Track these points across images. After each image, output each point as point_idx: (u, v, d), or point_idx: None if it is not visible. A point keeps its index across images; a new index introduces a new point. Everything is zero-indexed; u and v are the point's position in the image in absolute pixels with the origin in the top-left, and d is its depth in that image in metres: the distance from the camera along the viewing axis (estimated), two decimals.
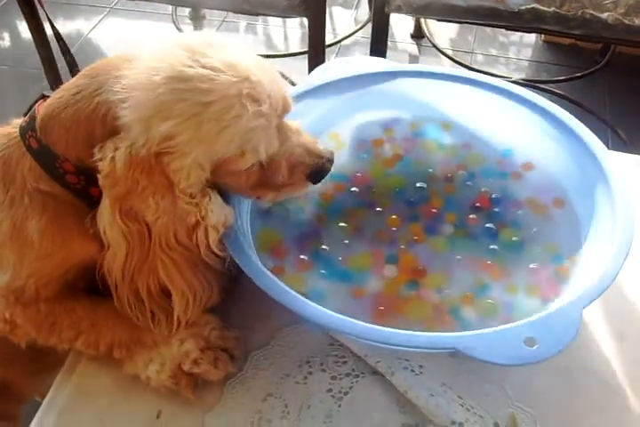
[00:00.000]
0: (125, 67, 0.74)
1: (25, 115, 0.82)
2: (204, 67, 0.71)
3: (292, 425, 0.81)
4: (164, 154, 0.72)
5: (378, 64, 1.08)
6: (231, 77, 0.71)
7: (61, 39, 1.97)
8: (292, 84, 2.41)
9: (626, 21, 1.58)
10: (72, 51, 2.55)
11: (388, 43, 2.56)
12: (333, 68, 1.07)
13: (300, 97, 1.01)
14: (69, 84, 0.78)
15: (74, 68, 2.07)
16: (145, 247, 0.76)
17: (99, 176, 0.73)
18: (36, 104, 0.80)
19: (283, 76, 2.44)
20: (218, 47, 0.73)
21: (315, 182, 0.87)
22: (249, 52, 0.76)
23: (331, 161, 0.86)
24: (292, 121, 0.84)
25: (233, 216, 0.81)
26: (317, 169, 0.85)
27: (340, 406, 0.83)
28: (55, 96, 0.77)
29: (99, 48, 2.76)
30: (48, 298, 0.83)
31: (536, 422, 0.81)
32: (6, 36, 2.88)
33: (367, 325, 0.76)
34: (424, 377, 0.84)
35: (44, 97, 0.80)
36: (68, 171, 0.77)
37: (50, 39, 2.06)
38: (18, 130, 0.80)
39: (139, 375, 0.83)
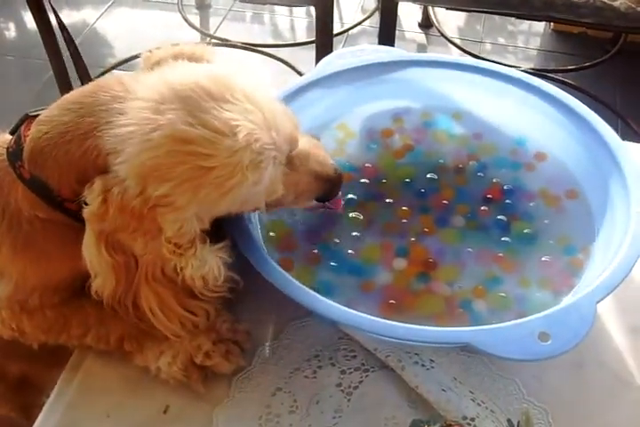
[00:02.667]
0: (116, 108, 0.71)
1: (11, 133, 0.80)
2: (204, 126, 0.67)
3: (301, 420, 0.80)
4: (159, 206, 0.69)
5: (387, 53, 1.06)
6: (233, 143, 0.67)
7: (65, 29, 1.96)
8: (300, 74, 2.40)
9: (639, 9, 1.56)
10: (77, 41, 2.56)
11: (396, 32, 2.54)
12: (342, 57, 1.05)
13: (309, 87, 0.99)
14: (53, 118, 0.74)
15: (78, 60, 2.06)
16: (131, 277, 0.75)
17: (84, 210, 0.71)
18: (22, 126, 0.77)
19: (290, 66, 2.44)
20: (219, 96, 0.69)
21: (322, 202, 0.87)
22: (254, 87, 0.72)
23: (339, 183, 0.85)
24: (302, 141, 0.80)
25: (221, 268, 0.77)
26: (325, 194, 0.84)
27: (349, 400, 0.81)
28: (41, 129, 0.74)
29: (104, 38, 2.74)
30: (53, 304, 0.82)
31: (548, 416, 0.80)
32: (12, 26, 2.87)
33: (378, 319, 0.75)
34: (435, 372, 0.82)
35: (28, 117, 0.78)
36: (66, 199, 0.75)
37: (55, 29, 2.04)
38: (5, 154, 0.78)
39: (149, 367, 0.83)
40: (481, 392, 0.82)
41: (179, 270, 0.74)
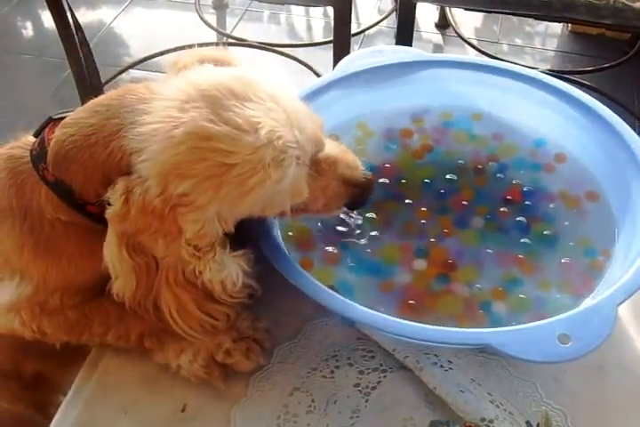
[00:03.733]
0: (141, 109, 0.71)
1: (35, 135, 0.80)
2: (226, 123, 0.67)
3: (318, 420, 0.80)
4: (180, 206, 0.69)
5: (407, 53, 1.06)
6: (255, 140, 0.67)
7: (80, 30, 1.96)
8: (316, 74, 2.39)
9: None
10: (94, 40, 2.57)
11: (413, 32, 2.54)
12: (362, 57, 1.05)
13: (329, 87, 1.00)
14: (79, 120, 0.75)
15: (89, 62, 2.07)
16: (152, 279, 0.74)
17: (107, 211, 0.71)
18: (46, 130, 0.78)
19: (307, 66, 2.44)
20: (242, 95, 0.69)
21: (352, 209, 0.86)
22: (278, 88, 0.72)
23: (370, 189, 0.84)
24: (329, 145, 0.80)
25: (239, 274, 0.77)
26: (355, 200, 0.83)
27: (367, 401, 0.81)
28: (66, 131, 0.75)
29: (121, 37, 2.75)
30: (74, 305, 0.82)
31: (567, 419, 0.80)
32: (29, 25, 2.87)
33: (398, 319, 0.74)
34: (453, 373, 0.82)
35: (52, 120, 0.78)
36: (88, 202, 0.75)
37: (73, 28, 2.05)
38: (29, 155, 0.78)
39: (168, 365, 0.83)
40: (499, 394, 0.82)
41: (197, 274, 0.74)
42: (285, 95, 0.72)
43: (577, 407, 0.81)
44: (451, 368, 0.82)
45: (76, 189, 0.74)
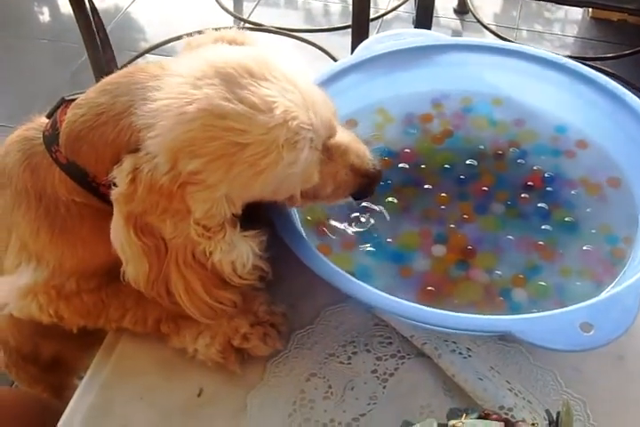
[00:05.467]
0: (151, 86, 0.70)
1: (48, 116, 0.80)
2: (241, 102, 0.66)
3: (335, 406, 0.79)
4: (189, 184, 0.68)
5: (427, 37, 1.05)
6: (269, 120, 0.66)
7: (97, 14, 1.96)
8: (333, 59, 2.38)
9: None
10: (110, 26, 2.56)
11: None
12: (381, 41, 1.03)
13: (348, 71, 0.98)
14: (91, 100, 0.74)
15: (106, 46, 2.07)
16: (162, 261, 0.73)
17: (112, 191, 0.70)
18: (58, 111, 0.77)
19: (324, 52, 2.43)
20: (258, 74, 0.68)
21: (357, 200, 0.85)
22: (294, 70, 0.71)
23: (377, 180, 0.82)
24: (341, 133, 0.78)
25: (250, 255, 0.75)
26: (362, 190, 0.82)
27: (384, 387, 0.81)
28: (77, 112, 0.74)
29: (137, 22, 2.74)
30: (91, 289, 0.82)
31: (586, 408, 0.79)
32: (46, 10, 2.88)
33: (417, 305, 0.74)
34: (472, 360, 0.81)
35: (64, 102, 0.78)
36: (101, 184, 0.74)
37: (90, 13, 2.04)
38: (42, 138, 0.77)
39: (184, 349, 0.83)
40: (518, 382, 0.81)
41: (207, 255, 0.72)
42: (301, 78, 0.71)
43: (596, 397, 0.80)
44: (470, 355, 0.82)
45: (89, 171, 0.74)
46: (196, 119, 0.66)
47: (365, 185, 0.81)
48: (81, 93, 0.77)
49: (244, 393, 0.81)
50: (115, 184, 0.69)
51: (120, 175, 0.69)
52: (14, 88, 2.43)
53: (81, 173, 0.74)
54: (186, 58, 0.73)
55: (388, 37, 1.05)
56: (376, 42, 1.03)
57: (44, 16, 2.86)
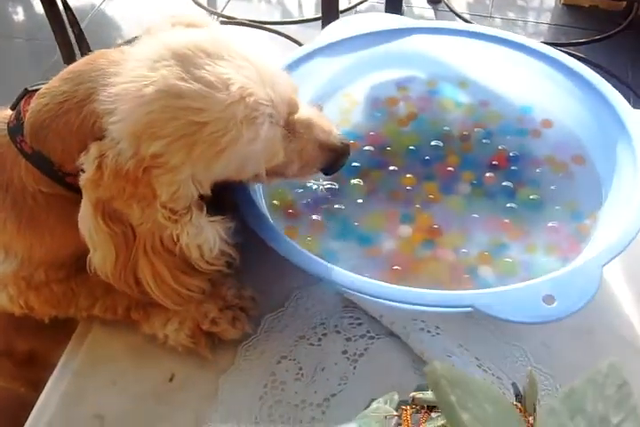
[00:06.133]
0: (112, 71, 0.70)
1: (11, 108, 0.79)
2: (197, 81, 0.66)
3: (306, 387, 0.80)
4: (153, 167, 0.68)
5: (392, 21, 1.05)
6: (226, 97, 0.66)
7: (70, 10, 1.95)
8: None
9: None
10: (84, 22, 2.55)
11: (404, 7, 2.53)
12: (348, 24, 1.04)
13: (313, 55, 0.99)
14: (54, 89, 0.74)
15: (81, 41, 2.06)
16: (130, 249, 0.73)
17: (80, 177, 0.70)
18: (22, 101, 0.76)
19: (298, 43, 2.42)
20: (214, 53, 0.68)
21: (327, 175, 0.85)
22: (251, 49, 0.71)
23: (346, 154, 0.82)
24: (305, 110, 0.79)
25: (217, 240, 0.75)
26: (330, 164, 0.82)
27: (354, 367, 0.81)
28: (41, 102, 0.73)
29: (112, 19, 2.73)
30: (60, 279, 0.82)
31: (556, 383, 0.79)
32: (20, 10, 2.87)
33: (381, 283, 0.74)
34: (440, 338, 0.82)
35: (28, 92, 0.77)
36: (68, 173, 0.74)
37: (62, 12, 2.04)
38: (6, 129, 0.77)
39: (155, 335, 0.83)
40: (487, 359, 0.81)
41: (175, 239, 0.72)
42: (258, 55, 0.71)
43: (566, 372, 0.80)
44: (438, 333, 0.82)
45: (55, 160, 0.73)
46: (154, 101, 0.66)
47: (333, 159, 0.81)
48: (44, 83, 0.77)
49: (216, 377, 0.81)
50: (83, 171, 0.69)
51: (87, 162, 0.69)
52: None
53: (47, 163, 0.74)
54: (144, 42, 0.73)
55: (354, 21, 1.05)
56: (341, 26, 1.04)
57: (19, 15, 2.85)
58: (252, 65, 0.69)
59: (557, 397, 0.41)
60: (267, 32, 2.54)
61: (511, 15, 2.72)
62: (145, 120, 0.66)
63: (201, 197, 0.74)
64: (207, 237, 0.74)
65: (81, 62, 0.75)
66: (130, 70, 0.69)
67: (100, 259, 0.74)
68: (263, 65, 0.71)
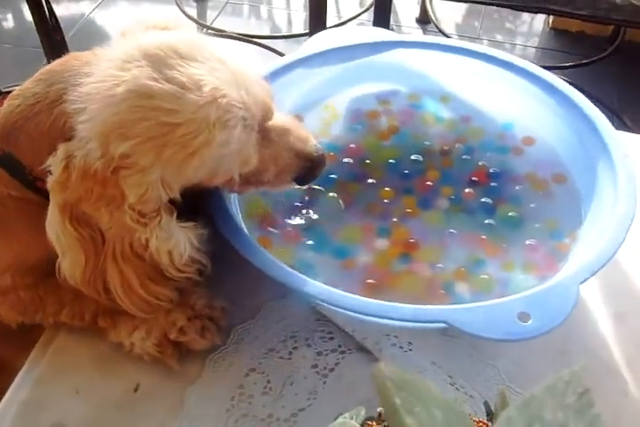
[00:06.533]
0: (84, 72, 0.69)
1: None
2: (169, 81, 0.65)
3: (274, 401, 0.78)
4: (122, 168, 0.66)
5: (375, 34, 1.04)
6: (198, 98, 0.65)
7: (54, 16, 1.95)
8: None
9: (635, 2, 1.54)
10: (72, 31, 2.55)
11: (394, 27, 2.54)
12: (330, 37, 1.03)
13: (294, 66, 0.98)
14: (26, 90, 0.72)
15: (63, 49, 2.05)
16: (99, 254, 0.72)
17: (48, 179, 0.68)
18: None
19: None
20: (187, 55, 0.67)
21: (301, 185, 0.83)
22: (224, 52, 0.70)
23: (321, 164, 0.81)
24: (281, 118, 0.78)
25: (187, 246, 0.74)
26: (305, 173, 0.80)
27: (325, 382, 0.79)
28: (13, 103, 0.73)
29: (102, 28, 2.74)
30: (27, 285, 0.81)
31: None
32: (9, 16, 2.88)
33: (353, 296, 0.73)
34: (413, 354, 0.80)
35: (1, 94, 0.76)
36: (38, 178, 0.72)
37: (47, 15, 2.04)
38: None
39: (122, 344, 0.81)
40: (460, 377, 0.80)
41: (144, 243, 0.71)
42: (233, 58, 0.70)
43: None
44: (410, 350, 0.81)
45: (26, 163, 0.72)
46: (124, 100, 0.64)
47: (308, 169, 0.80)
48: (17, 85, 0.76)
49: (182, 388, 0.79)
50: (50, 173, 0.68)
51: (54, 163, 0.67)
52: None
53: (17, 166, 0.73)
54: (117, 44, 0.72)
55: (336, 33, 1.04)
56: (325, 38, 1.03)
57: (8, 22, 2.86)
58: (226, 68, 0.68)
59: (515, 405, 0.39)
60: (255, 46, 2.54)
61: (499, 38, 2.73)
62: (114, 120, 0.65)
63: (172, 202, 0.72)
64: (177, 242, 0.73)
65: (54, 64, 0.74)
66: (101, 70, 0.67)
67: (69, 264, 0.72)
68: (238, 68, 0.70)
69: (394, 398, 0.35)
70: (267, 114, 0.74)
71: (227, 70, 0.68)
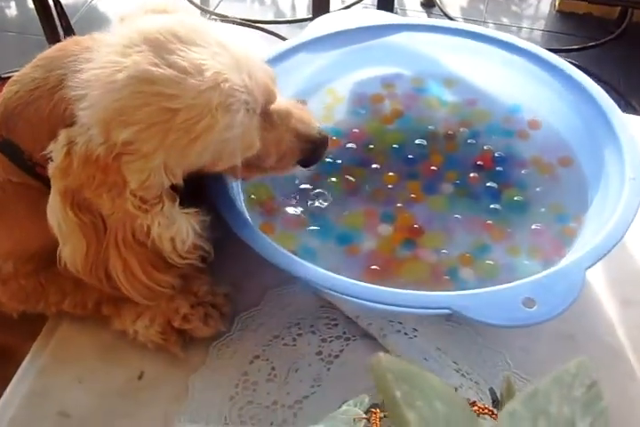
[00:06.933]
0: (84, 58, 0.68)
1: None
2: (170, 66, 0.64)
3: (278, 388, 0.78)
4: (124, 154, 0.66)
5: (379, 18, 1.03)
6: (200, 83, 0.64)
7: (58, 2, 1.94)
8: None
9: None
10: (75, 18, 2.54)
11: (398, 11, 2.51)
12: (334, 20, 1.02)
13: (297, 49, 0.96)
14: (25, 76, 0.72)
15: (69, 35, 2.04)
16: (101, 241, 0.71)
17: (49, 166, 0.68)
18: None
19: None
20: (187, 39, 0.66)
21: (305, 167, 0.83)
22: (225, 36, 0.69)
23: (324, 145, 0.80)
24: (283, 101, 0.77)
25: (190, 232, 0.73)
26: (308, 156, 0.80)
27: (329, 369, 0.79)
28: (12, 89, 0.72)
29: (105, 15, 2.72)
30: (28, 273, 0.80)
31: None
32: (13, 4, 2.87)
33: (357, 282, 0.72)
34: (418, 341, 0.80)
35: (0, 79, 0.76)
36: (37, 163, 0.71)
37: (52, 7, 2.04)
38: None
39: (126, 332, 0.80)
40: (465, 363, 0.79)
41: (146, 230, 0.70)
42: (234, 42, 0.69)
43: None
44: (415, 336, 0.80)
45: (25, 149, 0.71)
46: (125, 87, 0.64)
47: (311, 151, 0.79)
48: (17, 71, 0.75)
49: (186, 376, 0.79)
50: (51, 160, 0.67)
51: (56, 149, 0.67)
52: None
53: (17, 152, 0.72)
54: (117, 29, 0.71)
55: (340, 17, 1.03)
56: (328, 21, 1.02)
57: (11, 10, 2.85)
58: (228, 51, 0.67)
59: (519, 397, 0.38)
60: (258, 31, 2.52)
61: (505, 21, 2.70)
62: (116, 106, 0.64)
63: (174, 188, 0.72)
64: (180, 229, 0.72)
65: (53, 49, 0.73)
66: (101, 56, 0.67)
67: (70, 251, 0.71)
68: (239, 52, 0.69)
69: (394, 391, 0.34)
70: (269, 97, 0.73)
71: (228, 54, 0.67)
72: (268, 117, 0.74)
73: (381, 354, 0.36)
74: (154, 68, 0.64)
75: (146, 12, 0.74)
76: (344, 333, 0.82)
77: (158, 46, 0.65)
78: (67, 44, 0.73)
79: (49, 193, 0.70)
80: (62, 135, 0.66)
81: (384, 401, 0.35)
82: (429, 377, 0.37)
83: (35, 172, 0.72)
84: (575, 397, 0.38)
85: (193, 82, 0.64)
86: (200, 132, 0.65)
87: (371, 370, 0.35)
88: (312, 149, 0.79)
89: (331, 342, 0.81)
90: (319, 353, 0.80)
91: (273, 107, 0.74)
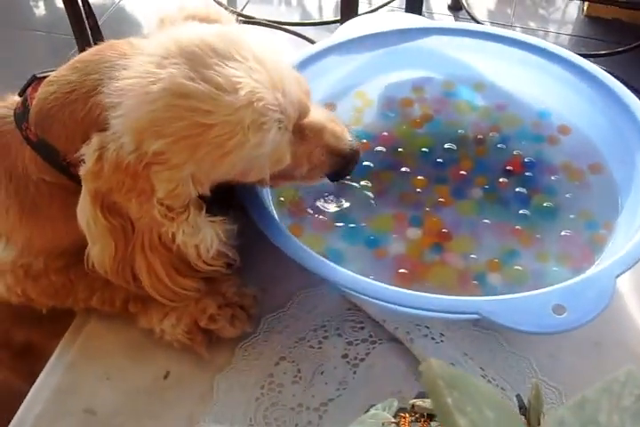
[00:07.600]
0: (120, 64, 0.69)
1: (19, 94, 0.78)
2: (205, 81, 0.64)
3: (304, 390, 0.78)
4: (154, 164, 0.66)
5: (410, 21, 1.03)
6: (235, 100, 0.64)
7: (86, 2, 1.96)
8: None
9: None
10: (103, 18, 2.56)
11: (425, 14, 2.51)
12: (364, 23, 1.02)
13: (328, 52, 0.97)
14: (61, 77, 0.72)
15: (97, 35, 2.06)
16: (128, 242, 0.72)
17: (81, 168, 0.68)
18: (29, 88, 0.75)
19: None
20: (224, 53, 0.66)
21: (334, 181, 0.83)
22: (264, 49, 0.69)
23: (354, 161, 0.80)
24: (317, 113, 0.76)
25: (214, 240, 0.74)
26: (337, 171, 0.80)
27: (355, 372, 0.79)
28: (48, 90, 0.72)
29: (132, 16, 2.74)
30: (58, 269, 0.81)
31: (562, 397, 0.77)
32: (41, 4, 2.89)
33: (385, 286, 0.72)
34: (445, 346, 0.79)
35: (36, 79, 0.76)
36: (71, 163, 0.72)
37: (81, 7, 2.05)
38: (13, 115, 0.76)
39: (152, 330, 0.81)
40: (492, 369, 0.79)
41: (170, 236, 0.71)
42: (271, 56, 0.69)
43: (573, 384, 0.78)
44: (442, 341, 0.80)
45: (59, 149, 0.72)
46: (159, 99, 0.64)
47: (342, 166, 0.79)
48: (52, 71, 0.76)
49: (212, 376, 0.79)
50: (83, 162, 0.68)
51: (88, 153, 0.67)
52: (6, 78, 2.43)
53: (51, 152, 0.73)
54: (155, 36, 0.72)
55: (371, 19, 1.03)
56: (358, 24, 1.02)
57: (40, 9, 2.87)
58: (264, 67, 0.67)
59: (567, 406, 0.38)
60: (285, 33, 2.52)
61: (532, 25, 2.69)
62: (149, 117, 0.65)
63: (202, 196, 0.72)
64: (204, 237, 0.73)
65: (90, 52, 0.74)
66: (137, 65, 0.67)
67: (98, 252, 0.72)
68: (275, 67, 0.68)
69: (446, 398, 0.34)
70: (302, 112, 0.73)
71: (264, 70, 0.67)
72: (301, 132, 0.74)
73: (432, 360, 0.35)
74: (189, 83, 0.64)
75: (186, 17, 0.74)
76: (370, 336, 0.82)
77: (195, 60, 0.65)
78: (103, 47, 0.73)
79: (80, 192, 0.71)
80: (95, 140, 0.67)
81: (435, 408, 0.35)
82: (478, 383, 0.37)
83: (69, 171, 0.73)
84: (625, 406, 0.37)
85: (228, 99, 0.64)
86: (231, 148, 0.65)
87: (420, 376, 0.35)
88: (342, 164, 0.79)
89: (357, 345, 0.81)
90: (345, 356, 0.80)
91: (306, 120, 0.75)
